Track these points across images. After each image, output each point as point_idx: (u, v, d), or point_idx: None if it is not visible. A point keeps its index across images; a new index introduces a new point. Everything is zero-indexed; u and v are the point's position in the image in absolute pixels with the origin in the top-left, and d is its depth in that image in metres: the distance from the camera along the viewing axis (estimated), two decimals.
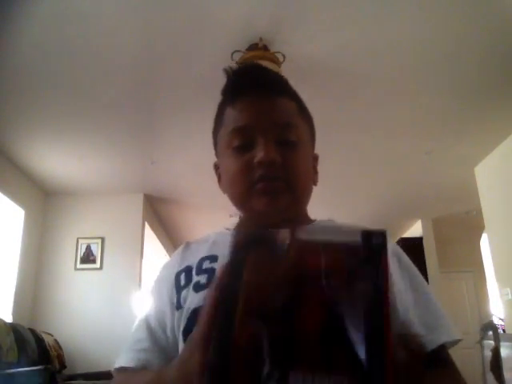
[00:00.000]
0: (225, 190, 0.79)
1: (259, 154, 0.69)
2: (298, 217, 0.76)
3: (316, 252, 0.39)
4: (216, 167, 0.83)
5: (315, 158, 0.82)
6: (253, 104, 0.73)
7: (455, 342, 0.66)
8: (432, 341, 0.63)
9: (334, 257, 0.39)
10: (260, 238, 0.42)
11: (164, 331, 0.71)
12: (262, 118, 0.72)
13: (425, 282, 0.72)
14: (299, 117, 0.76)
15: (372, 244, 0.39)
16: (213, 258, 0.73)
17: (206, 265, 0.72)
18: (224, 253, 0.42)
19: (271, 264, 0.39)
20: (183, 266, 0.75)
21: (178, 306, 0.71)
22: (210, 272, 0.71)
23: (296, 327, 0.37)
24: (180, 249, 0.81)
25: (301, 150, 0.73)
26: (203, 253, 0.75)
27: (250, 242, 0.41)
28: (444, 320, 0.67)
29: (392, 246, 0.74)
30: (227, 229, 0.80)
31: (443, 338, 0.64)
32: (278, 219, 0.70)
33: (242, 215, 0.79)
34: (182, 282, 0.73)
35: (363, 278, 0.37)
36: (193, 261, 0.75)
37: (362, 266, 0.38)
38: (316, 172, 0.81)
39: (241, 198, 0.74)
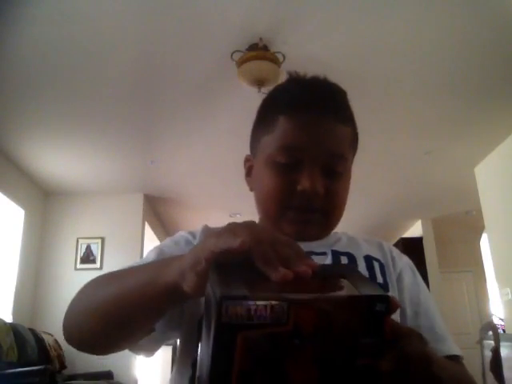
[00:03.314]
0: (253, 190, 0.76)
1: (305, 183, 0.66)
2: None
3: (316, 315, 0.35)
4: (247, 161, 0.79)
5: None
6: (311, 125, 0.68)
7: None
8: (441, 351, 0.64)
9: (337, 321, 0.35)
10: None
11: None
12: (316, 143, 0.67)
13: (433, 300, 0.74)
14: (350, 145, 0.72)
15: (375, 311, 0.36)
16: None
17: None
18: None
19: (265, 338, 0.34)
20: None
21: None
22: None
23: None
24: (199, 229, 0.76)
25: (344, 181, 0.71)
26: None
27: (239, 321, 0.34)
28: (448, 335, 0.69)
29: (407, 261, 0.76)
30: None
31: (452, 351, 0.65)
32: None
33: (261, 217, 0.76)
34: None
35: (364, 349, 0.35)
36: None
37: (364, 334, 0.36)
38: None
39: (272, 215, 0.71)
